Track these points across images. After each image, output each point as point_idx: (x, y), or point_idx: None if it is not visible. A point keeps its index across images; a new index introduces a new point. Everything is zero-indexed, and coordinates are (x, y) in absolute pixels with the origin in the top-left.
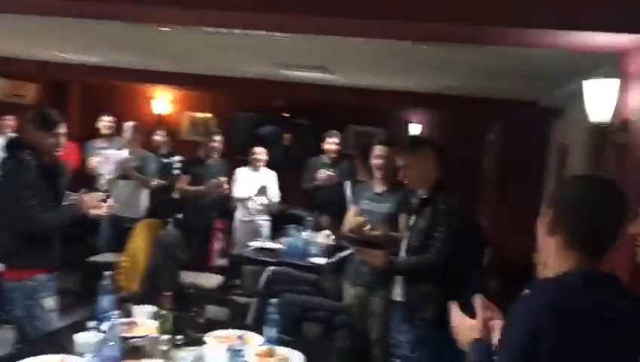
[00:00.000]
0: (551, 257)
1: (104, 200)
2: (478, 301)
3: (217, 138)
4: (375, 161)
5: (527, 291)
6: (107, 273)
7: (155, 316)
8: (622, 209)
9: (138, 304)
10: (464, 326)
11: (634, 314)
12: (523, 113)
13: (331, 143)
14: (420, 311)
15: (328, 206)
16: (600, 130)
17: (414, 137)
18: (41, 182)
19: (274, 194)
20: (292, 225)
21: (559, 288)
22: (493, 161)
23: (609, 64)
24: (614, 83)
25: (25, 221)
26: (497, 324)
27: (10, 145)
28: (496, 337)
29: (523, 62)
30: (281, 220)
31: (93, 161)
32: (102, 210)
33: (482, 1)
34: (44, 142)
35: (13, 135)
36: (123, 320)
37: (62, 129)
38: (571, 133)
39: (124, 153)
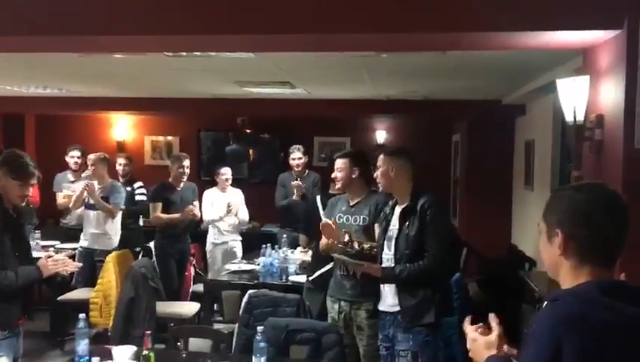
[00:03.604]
0: (567, 275)
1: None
2: (493, 317)
3: (187, 163)
4: (333, 174)
5: (545, 304)
6: (82, 315)
7: (138, 356)
8: (626, 213)
9: (115, 342)
10: (481, 343)
11: None
12: (487, 112)
13: (295, 158)
14: (419, 318)
15: (303, 221)
16: (573, 127)
17: (396, 147)
18: (3, 234)
19: (243, 212)
20: (266, 244)
21: (578, 300)
22: (461, 161)
23: (571, 59)
24: (584, 80)
25: None
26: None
27: None
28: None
29: (485, 62)
30: (252, 239)
31: (62, 196)
32: (64, 269)
33: (452, 9)
34: (14, 191)
35: None
36: None
37: (35, 179)
38: (536, 127)
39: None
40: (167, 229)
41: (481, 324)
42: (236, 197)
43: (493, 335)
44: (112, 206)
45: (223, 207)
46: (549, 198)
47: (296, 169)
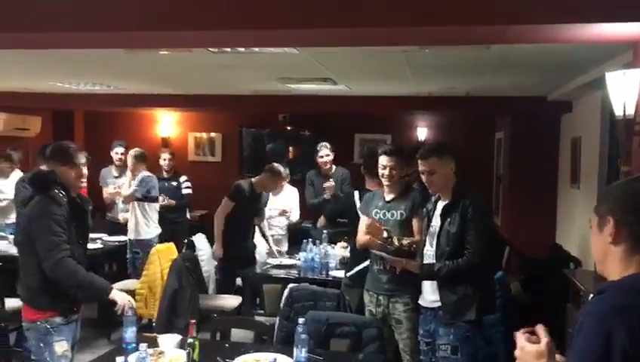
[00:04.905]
0: (615, 266)
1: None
2: (540, 327)
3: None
4: (382, 172)
5: (591, 297)
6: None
7: (182, 345)
8: None
9: (160, 332)
10: (530, 351)
11: None
12: (532, 109)
13: (323, 156)
14: (461, 314)
15: (342, 217)
16: (623, 122)
17: (438, 144)
18: (70, 222)
19: (295, 213)
20: (307, 239)
21: (625, 291)
22: (504, 159)
23: (620, 53)
24: (635, 73)
25: (54, 266)
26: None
27: (38, 182)
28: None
29: (530, 57)
30: (293, 235)
31: (109, 191)
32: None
33: (499, 1)
34: (70, 176)
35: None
36: (150, 351)
37: (81, 159)
38: (583, 124)
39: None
40: (236, 229)
41: (528, 330)
42: (291, 196)
43: (543, 344)
44: (128, 194)
45: (275, 204)
46: (602, 191)
47: (323, 167)
